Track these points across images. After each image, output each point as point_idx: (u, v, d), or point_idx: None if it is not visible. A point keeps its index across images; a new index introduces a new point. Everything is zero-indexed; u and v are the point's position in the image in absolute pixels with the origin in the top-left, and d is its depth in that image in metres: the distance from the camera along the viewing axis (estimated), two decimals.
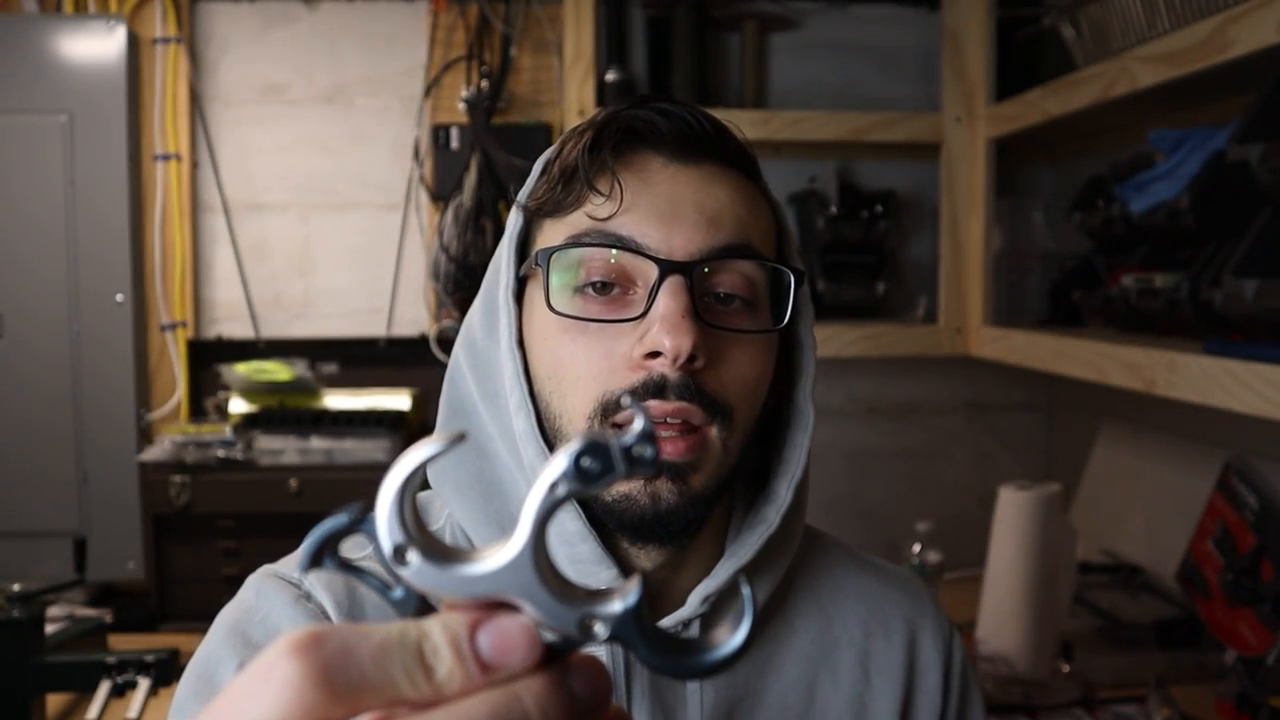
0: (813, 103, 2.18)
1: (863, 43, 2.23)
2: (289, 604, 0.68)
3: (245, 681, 0.28)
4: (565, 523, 0.67)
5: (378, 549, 0.30)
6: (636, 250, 0.65)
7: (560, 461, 0.30)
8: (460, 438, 0.31)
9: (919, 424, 2.31)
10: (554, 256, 0.67)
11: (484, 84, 2.17)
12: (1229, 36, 1.19)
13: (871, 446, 2.29)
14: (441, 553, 0.30)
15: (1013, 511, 1.68)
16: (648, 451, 0.30)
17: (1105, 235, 1.67)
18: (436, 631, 0.29)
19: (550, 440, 0.68)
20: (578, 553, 0.67)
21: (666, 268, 0.65)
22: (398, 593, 0.30)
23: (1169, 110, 1.62)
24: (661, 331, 0.63)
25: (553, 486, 0.30)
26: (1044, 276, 1.99)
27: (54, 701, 1.55)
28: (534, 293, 0.70)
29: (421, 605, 0.31)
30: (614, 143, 0.68)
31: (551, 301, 0.67)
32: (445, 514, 0.77)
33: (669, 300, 0.64)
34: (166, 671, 1.49)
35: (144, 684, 1.46)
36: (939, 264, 2.05)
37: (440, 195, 2.19)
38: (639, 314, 0.65)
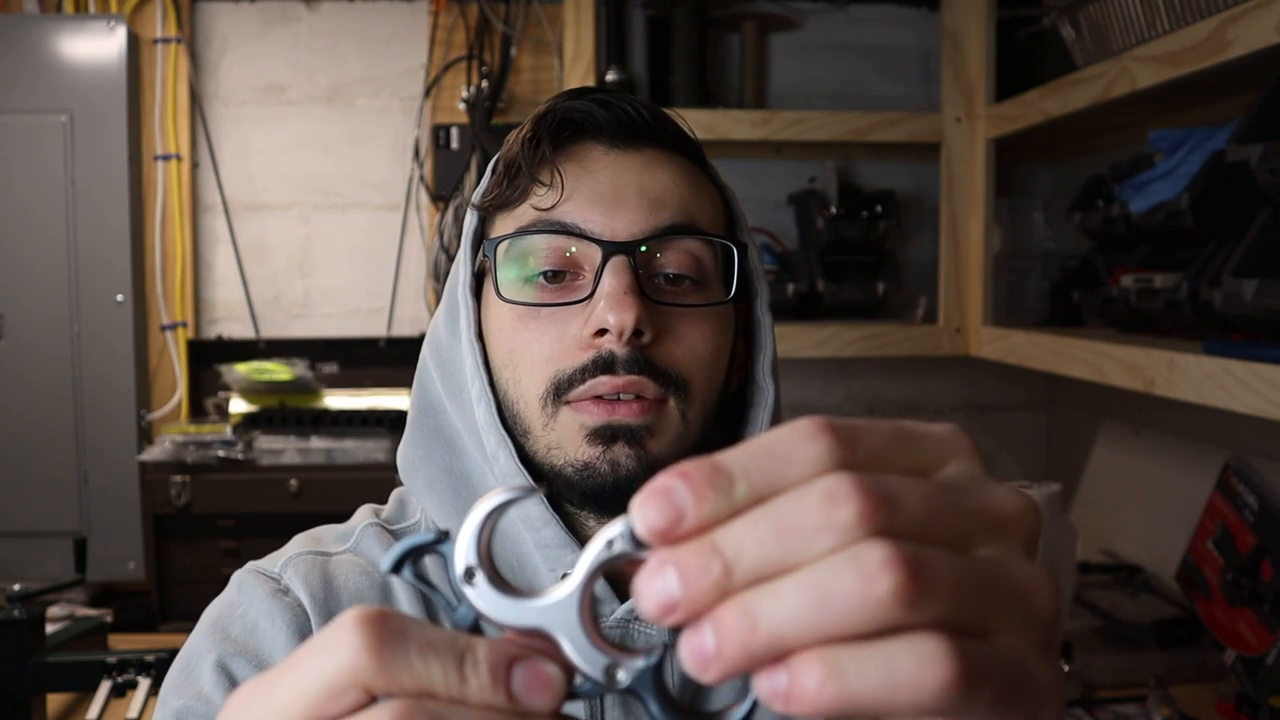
0: (812, 103, 2.18)
1: (862, 43, 2.23)
2: (267, 598, 0.71)
3: (316, 640, 0.32)
4: (528, 508, 0.68)
5: (451, 569, 0.33)
6: (580, 234, 0.68)
7: (618, 524, 0.32)
8: (534, 490, 0.34)
9: None
10: (501, 247, 0.70)
11: (484, 84, 2.17)
12: (1229, 36, 1.19)
13: None
14: (504, 583, 0.34)
15: None
16: None
17: (1105, 235, 1.67)
18: (482, 649, 0.32)
19: (510, 427, 0.70)
20: (542, 537, 0.69)
21: (609, 248, 0.67)
22: (462, 611, 0.34)
23: (1169, 110, 1.62)
24: (606, 308, 0.65)
25: (609, 543, 0.32)
26: (1044, 276, 1.99)
27: (54, 701, 1.55)
28: (489, 286, 0.72)
29: (477, 628, 0.34)
30: (552, 133, 0.70)
31: (501, 290, 0.69)
32: (419, 509, 0.79)
33: (612, 279, 0.66)
34: (166, 671, 1.49)
35: (144, 684, 1.46)
36: (939, 264, 2.05)
37: (440, 195, 2.19)
38: (586, 296, 0.68)
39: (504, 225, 0.72)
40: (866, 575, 0.29)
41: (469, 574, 0.33)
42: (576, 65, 1.98)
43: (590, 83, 1.98)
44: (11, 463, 2.10)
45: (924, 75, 2.23)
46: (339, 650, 0.31)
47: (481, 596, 0.33)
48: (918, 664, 0.29)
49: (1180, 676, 1.58)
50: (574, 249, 0.69)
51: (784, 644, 0.29)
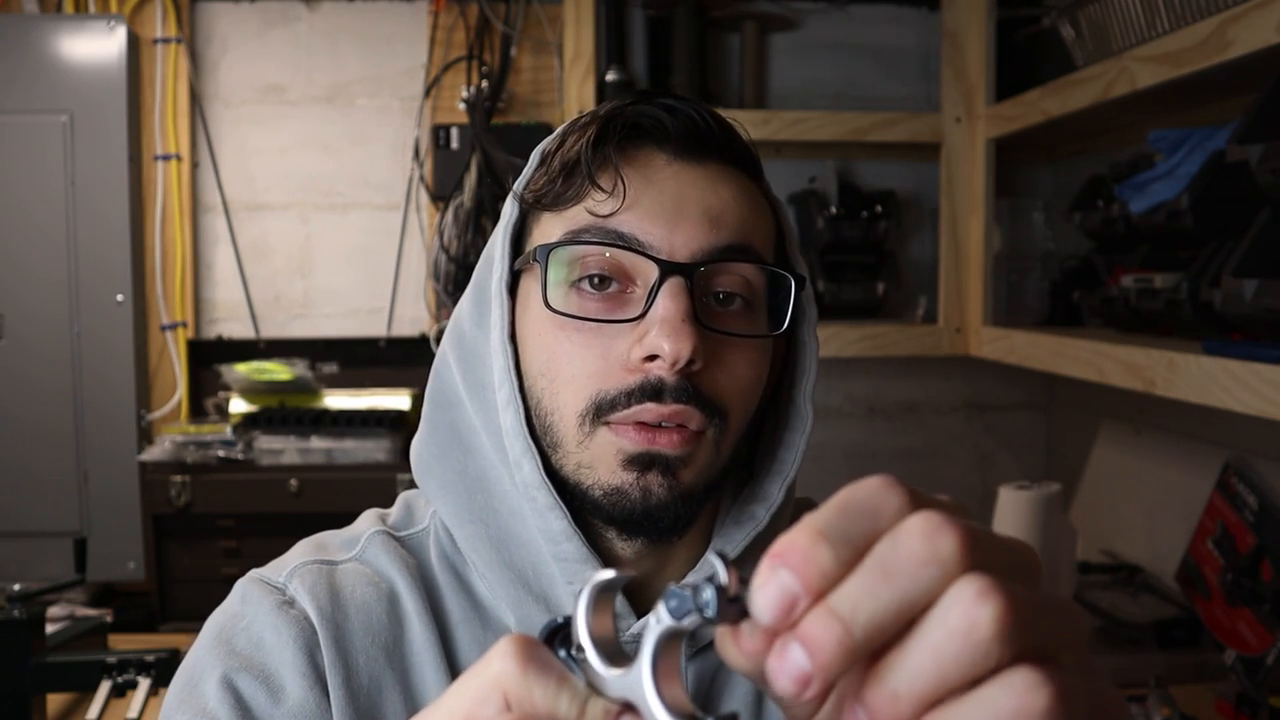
0: (813, 103, 2.18)
1: (862, 43, 2.23)
2: (272, 610, 0.68)
3: (478, 663, 0.38)
4: (550, 521, 0.67)
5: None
6: (639, 250, 0.65)
7: (661, 602, 0.36)
8: (631, 575, 0.39)
9: (919, 424, 2.31)
10: (553, 253, 0.66)
11: (484, 84, 2.17)
12: (1229, 36, 1.19)
13: (871, 446, 2.29)
14: (608, 656, 0.38)
15: (1013, 511, 1.68)
16: (731, 597, 0.35)
17: (1105, 235, 1.67)
18: (604, 701, 0.37)
19: (539, 437, 0.68)
20: (562, 551, 0.67)
21: (667, 268, 0.64)
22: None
23: (1169, 110, 1.62)
24: (661, 335, 0.62)
25: (658, 620, 0.36)
26: (1044, 276, 1.99)
27: (54, 701, 1.55)
28: (529, 286, 0.69)
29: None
30: (619, 138, 0.67)
31: (549, 299, 0.66)
32: (430, 512, 0.77)
33: (669, 303, 0.63)
34: (167, 671, 1.49)
35: (144, 684, 1.46)
36: (939, 264, 2.05)
37: (440, 195, 2.19)
38: (638, 315, 0.64)
39: (551, 224, 0.68)
40: (974, 624, 0.32)
41: (580, 651, 0.38)
42: (576, 65, 1.98)
43: (590, 83, 1.98)
44: (11, 463, 2.10)
45: (924, 75, 2.23)
46: (493, 660, 0.37)
47: (589, 673, 0.38)
48: (1019, 695, 0.32)
49: (1180, 676, 1.58)
50: (628, 262, 0.65)
51: (923, 704, 0.33)
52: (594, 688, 0.37)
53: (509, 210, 0.71)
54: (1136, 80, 1.39)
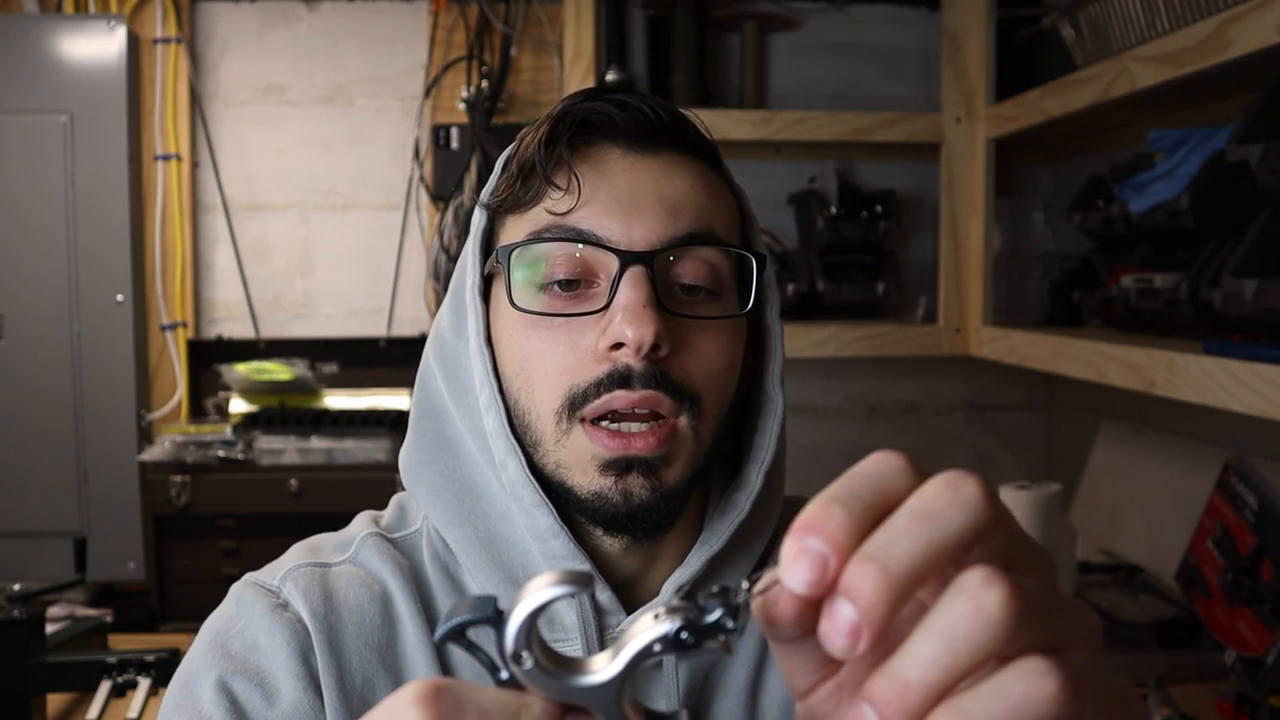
0: (813, 103, 2.18)
1: (862, 43, 2.23)
2: (267, 613, 0.69)
3: (384, 709, 0.35)
4: (537, 519, 0.67)
5: (501, 646, 0.37)
6: (596, 243, 0.66)
7: (663, 626, 0.36)
8: (587, 579, 0.37)
9: (919, 424, 2.31)
10: (515, 253, 0.67)
11: (484, 84, 2.17)
12: (1229, 36, 1.19)
13: (871, 446, 2.26)
14: (550, 660, 0.37)
15: (1013, 511, 1.67)
16: (730, 624, 0.36)
17: (1105, 235, 1.67)
18: (537, 706, 0.36)
19: (520, 437, 0.68)
20: (550, 549, 0.68)
21: (627, 258, 0.65)
22: (503, 675, 0.37)
23: (1169, 110, 1.62)
24: (623, 322, 0.63)
25: (650, 644, 0.36)
26: (1044, 276, 1.99)
27: (54, 701, 1.55)
28: (499, 290, 0.70)
29: (515, 686, 0.37)
30: (570, 136, 0.68)
31: (514, 299, 0.67)
32: (421, 516, 0.77)
33: (630, 291, 0.64)
34: (167, 671, 1.49)
35: (144, 684, 1.46)
36: (939, 264, 2.05)
37: (440, 195, 2.19)
38: (601, 306, 0.66)
39: (515, 227, 0.70)
40: (980, 607, 0.33)
41: (517, 655, 0.36)
42: (576, 65, 1.98)
43: (590, 82, 1.98)
44: (11, 463, 2.10)
45: (924, 75, 2.23)
46: (404, 710, 0.34)
47: (529, 675, 0.37)
48: (1028, 682, 0.33)
49: (1180, 676, 1.58)
50: (590, 257, 0.66)
51: (934, 694, 0.33)
52: (519, 686, 0.36)
53: (477, 218, 0.73)
54: (1136, 80, 1.39)
